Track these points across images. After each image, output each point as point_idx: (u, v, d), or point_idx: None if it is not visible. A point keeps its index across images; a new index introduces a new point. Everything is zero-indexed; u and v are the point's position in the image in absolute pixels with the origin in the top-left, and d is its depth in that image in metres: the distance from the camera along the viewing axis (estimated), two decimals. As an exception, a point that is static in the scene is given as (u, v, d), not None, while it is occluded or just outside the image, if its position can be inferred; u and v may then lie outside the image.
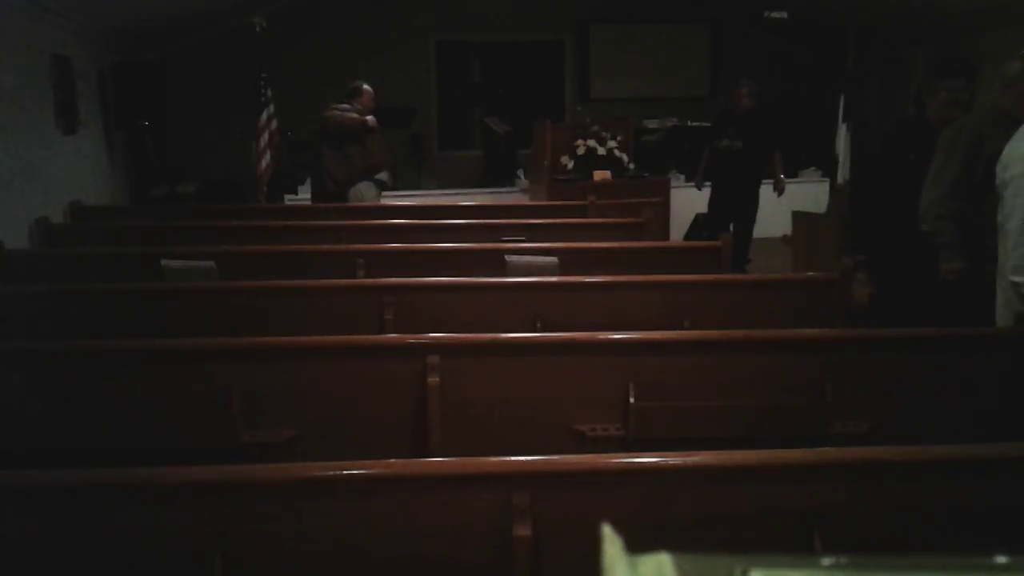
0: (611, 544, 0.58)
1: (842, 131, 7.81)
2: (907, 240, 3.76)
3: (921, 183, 3.70)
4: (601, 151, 7.73)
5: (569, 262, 4.23)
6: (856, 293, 3.86)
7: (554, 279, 3.94)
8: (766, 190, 7.25)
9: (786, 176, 7.31)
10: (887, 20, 8.60)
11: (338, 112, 6.48)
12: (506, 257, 4.26)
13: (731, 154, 6.94)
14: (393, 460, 2.01)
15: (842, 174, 7.61)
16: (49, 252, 5.17)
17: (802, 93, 10.20)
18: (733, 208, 7.01)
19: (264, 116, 7.39)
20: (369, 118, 6.58)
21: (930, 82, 3.81)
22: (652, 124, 9.47)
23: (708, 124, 8.00)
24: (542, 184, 7.68)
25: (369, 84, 6.83)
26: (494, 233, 5.11)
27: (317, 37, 9.79)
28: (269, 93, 7.39)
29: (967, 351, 2.95)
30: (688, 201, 7.85)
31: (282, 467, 1.98)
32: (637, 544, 0.59)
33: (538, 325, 3.52)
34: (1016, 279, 3.04)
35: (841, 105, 7.85)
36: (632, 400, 2.75)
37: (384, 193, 8.42)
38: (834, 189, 7.56)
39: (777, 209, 8.12)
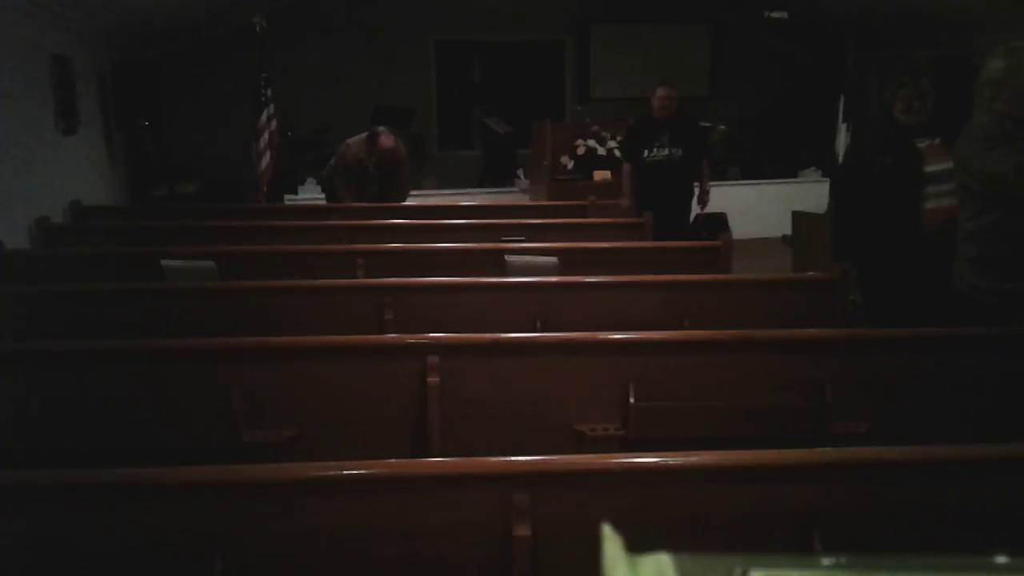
0: (611, 544, 0.58)
1: (842, 131, 7.82)
2: (890, 246, 3.75)
3: (899, 185, 3.70)
4: (601, 151, 7.74)
5: (569, 262, 4.23)
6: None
7: (554, 279, 3.94)
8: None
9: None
10: (887, 20, 8.60)
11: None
12: (506, 257, 4.26)
13: (670, 165, 5.96)
14: (393, 460, 2.01)
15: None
16: (49, 252, 5.17)
17: (802, 93, 10.21)
18: (674, 226, 5.86)
19: (264, 116, 7.39)
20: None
21: (888, 86, 3.84)
22: (652, 124, 9.45)
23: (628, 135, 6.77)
24: (542, 184, 7.68)
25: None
26: (494, 233, 5.11)
27: (317, 37, 9.80)
28: (269, 93, 7.39)
29: (967, 351, 2.95)
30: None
31: (282, 467, 1.98)
32: (637, 544, 0.59)
33: (538, 325, 3.52)
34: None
35: (841, 105, 7.86)
36: (632, 400, 2.75)
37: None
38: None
39: (777, 209, 8.13)
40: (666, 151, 5.97)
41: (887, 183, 3.72)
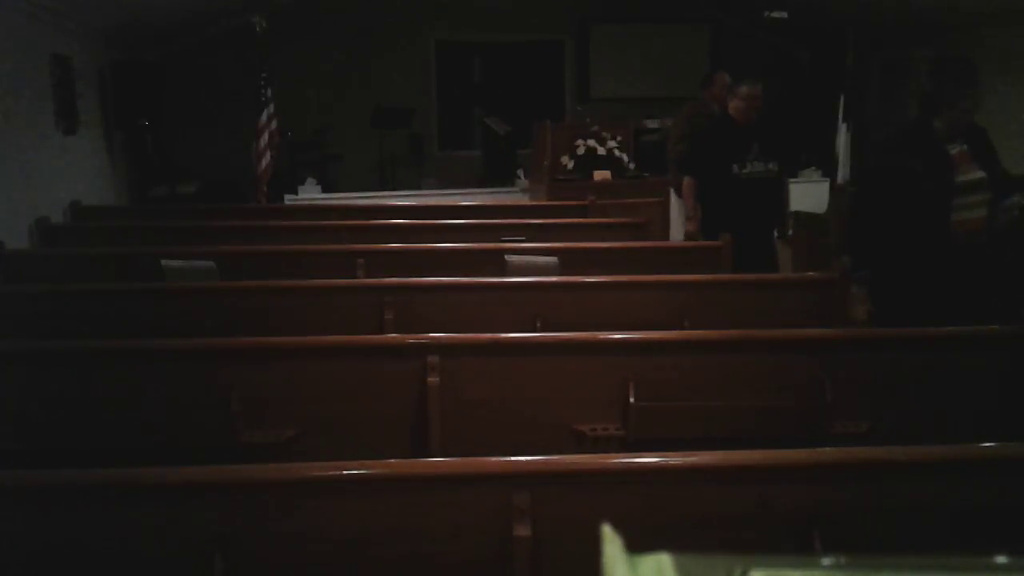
0: (611, 544, 0.58)
1: (842, 131, 7.80)
2: (915, 257, 3.56)
3: (930, 194, 3.49)
4: (601, 151, 7.72)
5: (569, 262, 4.23)
6: (854, 310, 3.72)
7: (554, 279, 3.94)
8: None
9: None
10: (887, 20, 8.60)
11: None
12: (506, 257, 4.26)
13: (767, 181, 4.84)
14: (393, 460, 2.01)
15: (842, 174, 7.60)
16: (49, 252, 5.17)
17: (802, 93, 10.20)
18: (761, 256, 4.81)
19: (264, 116, 7.39)
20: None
21: (950, 90, 3.52)
22: (652, 124, 9.47)
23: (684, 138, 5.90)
24: (542, 184, 7.67)
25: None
26: (494, 233, 5.11)
27: (317, 37, 9.79)
28: (269, 93, 7.39)
29: (967, 351, 2.95)
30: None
31: (282, 467, 1.98)
32: (637, 544, 0.59)
33: (538, 325, 3.52)
34: None
35: (841, 105, 7.84)
36: (632, 400, 2.75)
37: (383, 193, 8.41)
38: (834, 189, 7.54)
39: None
40: (761, 166, 4.81)
41: (917, 191, 3.51)
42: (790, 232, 5.15)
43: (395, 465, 1.99)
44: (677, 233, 7.61)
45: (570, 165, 7.70)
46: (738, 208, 4.72)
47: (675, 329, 3.37)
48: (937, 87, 3.56)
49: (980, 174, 3.53)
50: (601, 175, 7.62)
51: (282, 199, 7.86)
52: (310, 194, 8.16)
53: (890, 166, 3.72)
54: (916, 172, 3.53)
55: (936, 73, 3.64)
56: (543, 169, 7.66)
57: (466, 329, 3.06)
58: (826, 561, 0.57)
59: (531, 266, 4.20)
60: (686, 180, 5.09)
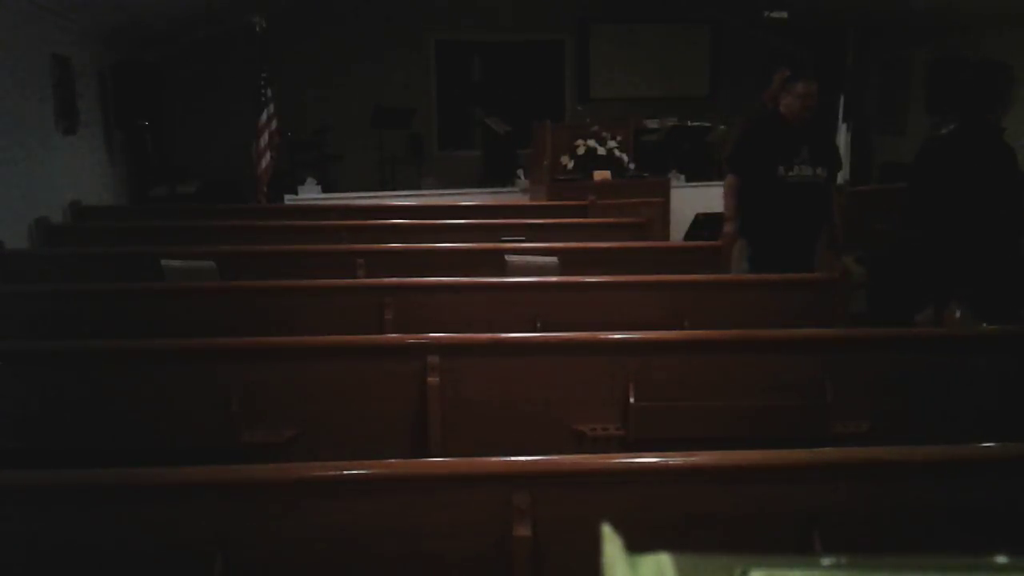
0: (611, 544, 0.58)
1: (842, 131, 7.81)
2: (1017, 263, 3.48)
3: (1014, 194, 3.41)
4: (601, 151, 7.72)
5: (569, 262, 4.23)
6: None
7: (554, 279, 3.94)
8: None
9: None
10: (887, 20, 8.60)
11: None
12: (506, 257, 4.26)
13: (814, 187, 4.54)
14: (393, 460, 2.01)
15: (842, 174, 7.60)
16: (49, 252, 5.17)
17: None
18: (801, 265, 4.48)
19: (264, 116, 7.38)
20: None
21: (1006, 89, 3.50)
22: (652, 124, 9.46)
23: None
24: (542, 184, 7.66)
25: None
26: (494, 233, 5.11)
27: (317, 37, 9.79)
28: (269, 93, 7.39)
29: (967, 351, 2.95)
30: (688, 201, 7.84)
31: (282, 467, 1.98)
32: (637, 544, 0.59)
33: (538, 325, 3.52)
34: None
35: (841, 105, 7.85)
36: (632, 400, 2.75)
37: (383, 193, 8.41)
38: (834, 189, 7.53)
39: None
40: (809, 170, 4.53)
41: (1014, 195, 3.43)
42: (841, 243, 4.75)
43: (395, 465, 1.99)
44: (677, 233, 7.61)
45: (570, 165, 7.69)
46: (780, 213, 4.48)
47: (675, 329, 3.37)
48: (996, 86, 3.51)
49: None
50: (601, 175, 7.61)
51: (282, 199, 7.85)
52: (310, 194, 8.15)
53: (975, 174, 3.57)
54: (995, 173, 3.46)
55: (986, 72, 3.59)
56: (543, 169, 7.66)
57: (466, 329, 3.06)
58: (826, 561, 0.57)
59: (531, 266, 4.20)
60: (728, 179, 4.85)
